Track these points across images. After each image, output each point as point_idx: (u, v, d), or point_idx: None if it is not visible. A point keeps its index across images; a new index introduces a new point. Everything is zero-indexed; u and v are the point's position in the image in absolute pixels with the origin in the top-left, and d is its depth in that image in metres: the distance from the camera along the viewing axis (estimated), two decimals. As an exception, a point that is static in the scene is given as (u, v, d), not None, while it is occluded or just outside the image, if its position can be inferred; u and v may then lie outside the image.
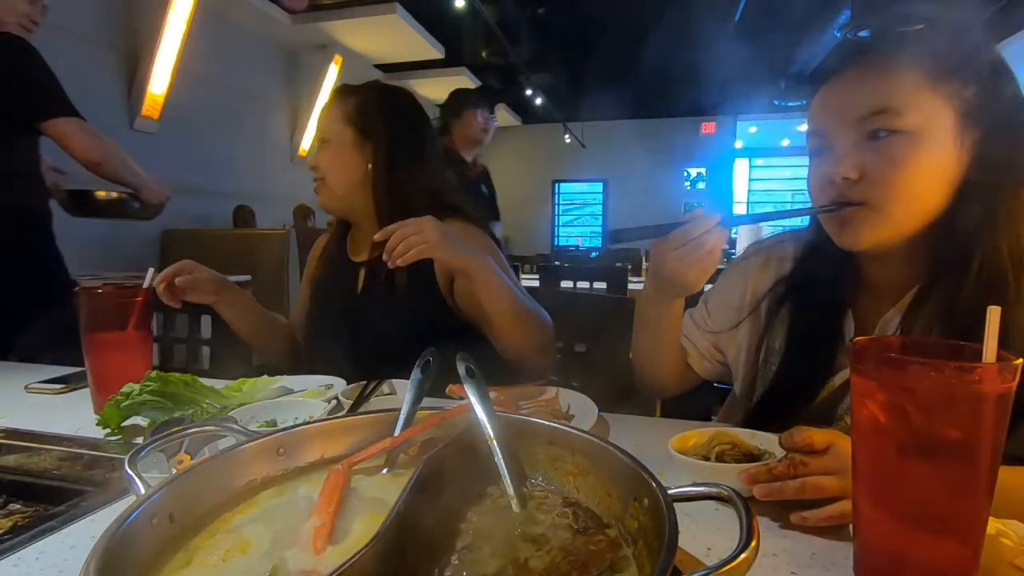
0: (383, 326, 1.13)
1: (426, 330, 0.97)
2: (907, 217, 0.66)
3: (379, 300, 1.16)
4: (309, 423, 0.52)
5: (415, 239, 0.91)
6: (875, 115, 0.66)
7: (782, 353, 0.82)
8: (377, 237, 0.94)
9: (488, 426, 0.48)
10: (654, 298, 0.86)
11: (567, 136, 9.30)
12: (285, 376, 0.95)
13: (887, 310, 0.73)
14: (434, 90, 6.84)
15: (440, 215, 1.02)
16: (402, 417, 0.52)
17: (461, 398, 0.77)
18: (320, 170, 1.18)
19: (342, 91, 1.21)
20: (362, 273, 1.21)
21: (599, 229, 10.50)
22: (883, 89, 0.66)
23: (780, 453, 0.59)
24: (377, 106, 1.19)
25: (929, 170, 0.65)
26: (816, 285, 0.79)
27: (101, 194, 2.10)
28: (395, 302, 1.13)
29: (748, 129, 9.81)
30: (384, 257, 0.93)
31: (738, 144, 9.26)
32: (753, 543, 0.31)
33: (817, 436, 0.55)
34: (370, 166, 1.15)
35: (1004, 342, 0.40)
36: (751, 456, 0.61)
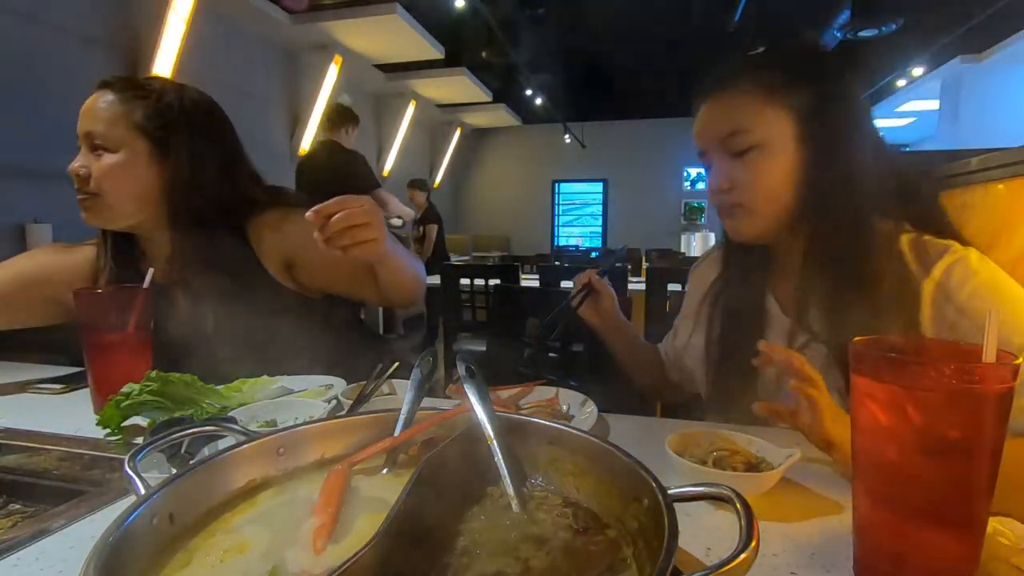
0: (225, 334, 1.00)
1: (267, 318, 0.98)
2: (772, 211, 0.80)
3: (206, 313, 1.02)
4: (309, 423, 0.52)
5: (358, 232, 0.82)
6: (731, 136, 0.79)
7: (719, 338, 0.93)
8: (310, 216, 0.80)
9: (488, 426, 0.48)
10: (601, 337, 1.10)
11: (567, 136, 9.29)
12: (285, 376, 0.95)
13: (793, 285, 0.86)
14: (434, 90, 6.85)
15: (259, 210, 1.06)
16: (402, 417, 0.52)
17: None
18: (93, 183, 0.99)
19: (123, 87, 1.02)
20: (177, 292, 1.07)
21: (599, 229, 10.50)
22: (733, 114, 0.80)
23: (778, 461, 0.60)
24: (177, 115, 1.03)
25: (781, 171, 0.78)
26: (739, 274, 0.92)
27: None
28: (226, 308, 1.00)
29: (748, 129, 9.80)
30: (317, 238, 0.81)
31: (738, 144, 9.25)
32: (753, 543, 0.31)
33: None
34: (166, 182, 1.02)
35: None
36: (749, 463, 0.61)
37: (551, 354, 1.44)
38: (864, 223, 0.77)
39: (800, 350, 0.82)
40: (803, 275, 0.82)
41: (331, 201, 0.80)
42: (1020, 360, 0.40)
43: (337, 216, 0.80)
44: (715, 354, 0.93)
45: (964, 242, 0.76)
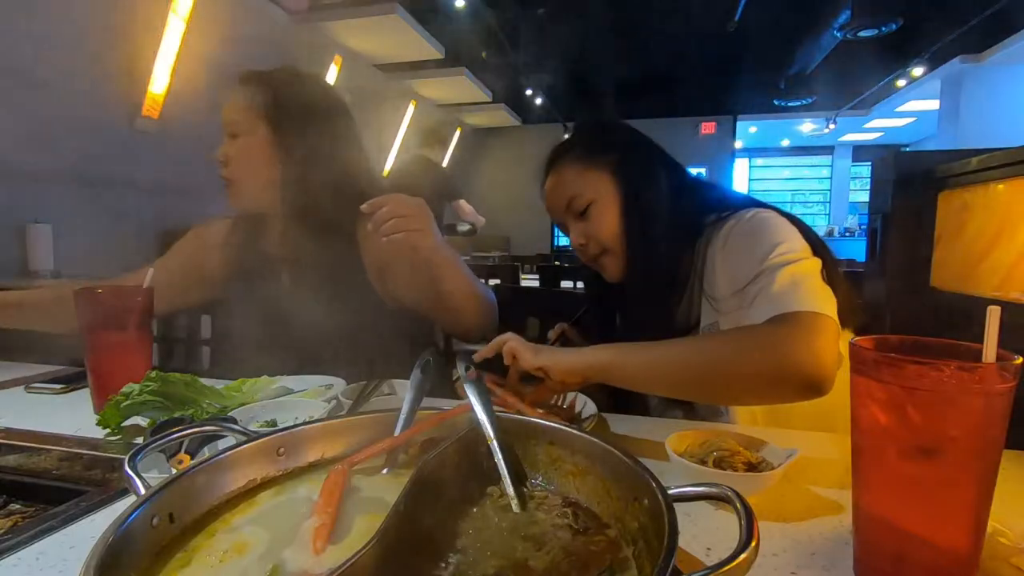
0: (311, 321, 1.06)
1: (355, 322, 1.01)
2: (623, 247, 0.96)
3: (305, 294, 1.10)
4: (309, 423, 0.52)
5: (401, 223, 0.90)
6: (570, 203, 0.98)
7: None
8: (365, 208, 0.90)
9: (488, 426, 0.48)
10: None
11: (567, 136, 9.29)
12: (285, 376, 0.95)
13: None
14: (434, 90, 6.85)
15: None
16: (402, 417, 0.52)
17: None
18: (231, 171, 1.08)
19: (253, 79, 1.11)
20: (285, 268, 1.15)
21: (599, 229, 10.49)
22: (564, 187, 0.99)
23: (778, 461, 0.60)
24: (297, 106, 1.10)
25: (614, 219, 0.95)
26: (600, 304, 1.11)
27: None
28: (321, 295, 1.07)
29: (748, 129, 9.81)
30: (371, 229, 0.90)
31: (738, 144, 9.26)
32: (753, 543, 0.31)
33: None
34: (284, 169, 1.08)
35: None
36: (749, 463, 0.61)
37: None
38: (681, 231, 0.94)
39: None
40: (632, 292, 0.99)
41: (383, 197, 0.91)
42: (1020, 360, 0.40)
43: (386, 208, 0.89)
44: None
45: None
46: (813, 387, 0.67)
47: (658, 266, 0.94)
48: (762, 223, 0.86)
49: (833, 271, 0.82)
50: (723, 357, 0.72)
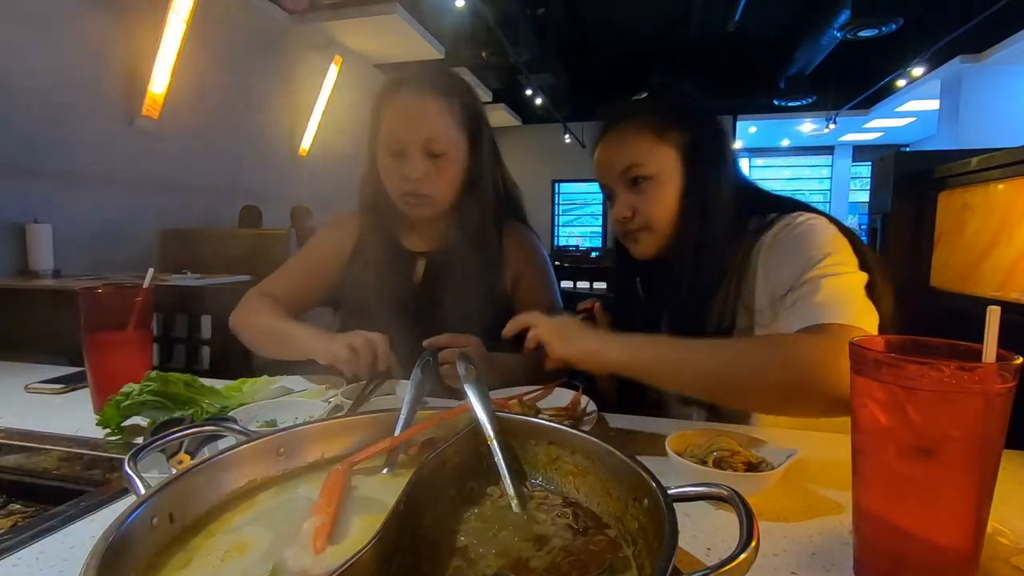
0: (443, 317, 1.04)
1: (485, 322, 1.00)
2: (667, 230, 0.93)
3: (439, 291, 1.10)
4: (309, 423, 0.52)
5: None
6: (629, 168, 0.92)
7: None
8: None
9: (488, 426, 0.48)
10: None
11: (567, 136, 9.29)
12: (285, 376, 0.95)
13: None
14: (434, 90, 6.84)
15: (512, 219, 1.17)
16: (402, 417, 0.52)
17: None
18: (429, 185, 1.05)
19: (444, 90, 1.06)
20: (421, 263, 1.16)
21: (599, 229, 10.49)
22: (629, 149, 0.92)
23: (778, 461, 0.60)
24: (475, 105, 1.11)
25: (670, 199, 0.91)
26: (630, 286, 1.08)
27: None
28: (457, 293, 1.08)
29: (748, 129, 9.81)
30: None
31: (738, 144, 9.27)
32: (753, 543, 0.31)
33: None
34: (472, 170, 1.10)
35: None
36: (749, 463, 0.61)
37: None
38: (725, 228, 0.91)
39: None
40: (667, 278, 0.97)
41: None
42: (1020, 360, 0.40)
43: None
44: None
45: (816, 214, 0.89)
46: (836, 404, 0.65)
47: (709, 259, 0.90)
48: (810, 231, 0.83)
49: (881, 285, 0.80)
50: (752, 365, 0.70)
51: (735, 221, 0.92)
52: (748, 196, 0.95)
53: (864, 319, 0.72)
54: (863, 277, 0.78)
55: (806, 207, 0.91)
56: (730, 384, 0.72)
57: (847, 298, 0.74)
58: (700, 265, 0.90)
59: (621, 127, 0.94)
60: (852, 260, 0.80)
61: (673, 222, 0.92)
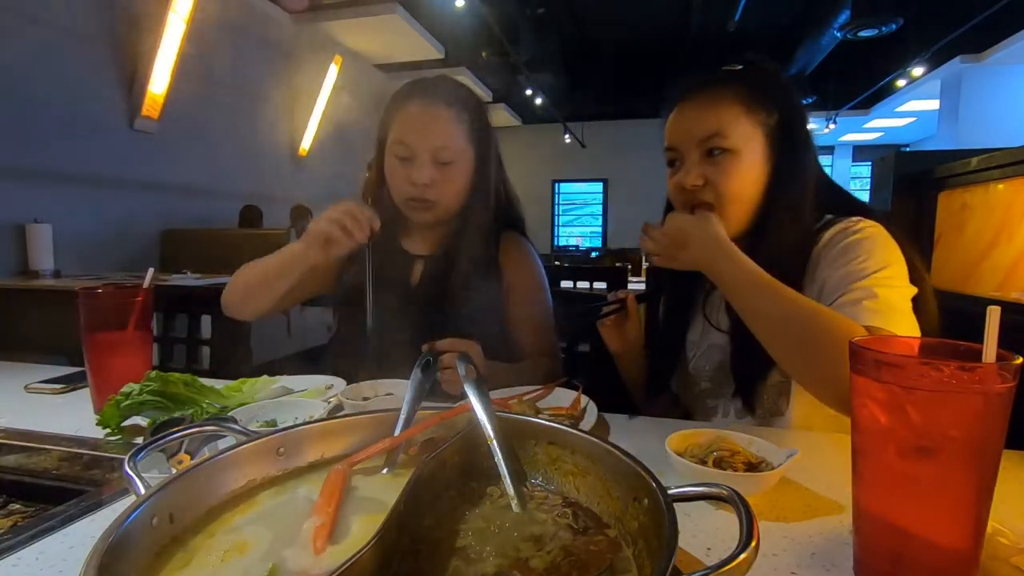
0: (439, 319, 1.05)
1: (480, 325, 1.01)
2: (737, 213, 0.89)
3: (436, 294, 1.11)
4: (309, 423, 0.52)
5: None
6: (710, 137, 0.87)
7: (664, 320, 1.08)
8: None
9: (488, 426, 0.48)
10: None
11: (567, 136, 9.29)
12: (285, 376, 0.95)
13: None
14: (434, 90, 6.85)
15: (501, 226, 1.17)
16: (402, 417, 0.52)
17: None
18: (435, 192, 1.07)
19: (457, 101, 1.08)
20: (419, 265, 1.17)
21: (599, 229, 10.49)
22: (714, 117, 0.88)
23: (778, 461, 0.60)
24: (484, 118, 1.13)
25: (748, 179, 0.88)
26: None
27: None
28: (453, 296, 1.09)
29: (748, 129, 9.80)
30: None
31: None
32: (753, 543, 0.31)
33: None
34: (476, 179, 1.12)
35: None
36: (750, 463, 0.61)
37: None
38: (805, 222, 0.89)
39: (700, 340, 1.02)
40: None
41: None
42: (1020, 360, 0.40)
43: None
44: (658, 336, 1.09)
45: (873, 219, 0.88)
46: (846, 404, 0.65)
47: (775, 247, 0.87)
48: (868, 241, 0.82)
49: (927, 298, 0.82)
50: (823, 324, 0.72)
51: (809, 213, 0.89)
52: (823, 189, 0.92)
53: (902, 331, 0.74)
54: (912, 291, 0.79)
55: (867, 209, 0.90)
56: (802, 334, 0.73)
57: (899, 308, 0.76)
58: (762, 251, 0.86)
59: (709, 92, 0.90)
60: (904, 274, 0.80)
61: (743, 202, 0.89)
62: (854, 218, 0.87)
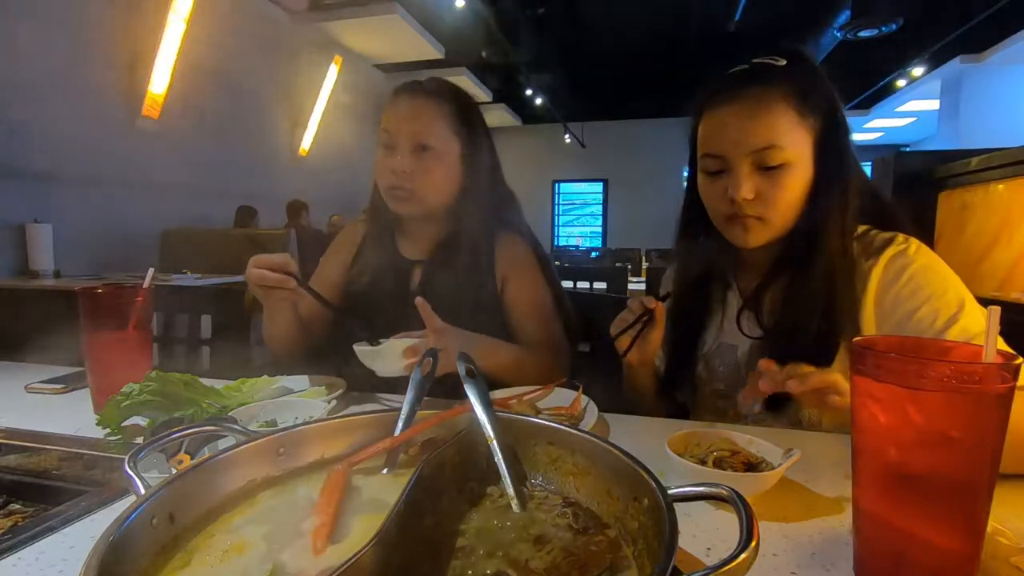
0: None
1: (478, 327, 1.01)
2: (784, 223, 0.84)
3: (436, 298, 1.08)
4: (309, 423, 0.52)
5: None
6: (767, 149, 0.80)
7: (680, 320, 1.00)
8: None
9: (488, 426, 0.48)
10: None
11: (567, 136, 9.29)
12: (285, 376, 0.95)
13: (756, 280, 0.93)
14: (434, 90, 6.85)
15: (507, 227, 1.17)
16: (402, 417, 0.52)
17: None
18: (413, 179, 1.07)
19: (441, 94, 1.10)
20: (418, 270, 1.17)
21: (599, 229, 10.49)
22: (767, 127, 0.80)
23: (778, 461, 0.60)
24: (475, 113, 1.14)
25: (800, 189, 0.82)
26: (702, 268, 0.99)
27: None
28: (452, 301, 1.06)
29: (748, 129, 9.80)
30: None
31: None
32: (753, 543, 0.31)
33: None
34: (466, 178, 1.12)
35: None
36: (749, 463, 0.61)
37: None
38: (846, 230, 0.84)
39: (714, 340, 0.98)
40: (771, 272, 0.91)
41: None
42: (1020, 360, 0.40)
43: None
44: (672, 335, 0.99)
45: (908, 233, 0.86)
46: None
47: (826, 261, 0.82)
48: (930, 272, 0.80)
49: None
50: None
51: (853, 221, 0.85)
52: (865, 193, 0.87)
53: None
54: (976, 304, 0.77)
55: (896, 217, 0.88)
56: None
57: (992, 332, 0.72)
58: (807, 261, 0.83)
59: (755, 93, 0.81)
60: (970, 296, 0.78)
61: (792, 212, 0.83)
62: (899, 237, 0.84)
